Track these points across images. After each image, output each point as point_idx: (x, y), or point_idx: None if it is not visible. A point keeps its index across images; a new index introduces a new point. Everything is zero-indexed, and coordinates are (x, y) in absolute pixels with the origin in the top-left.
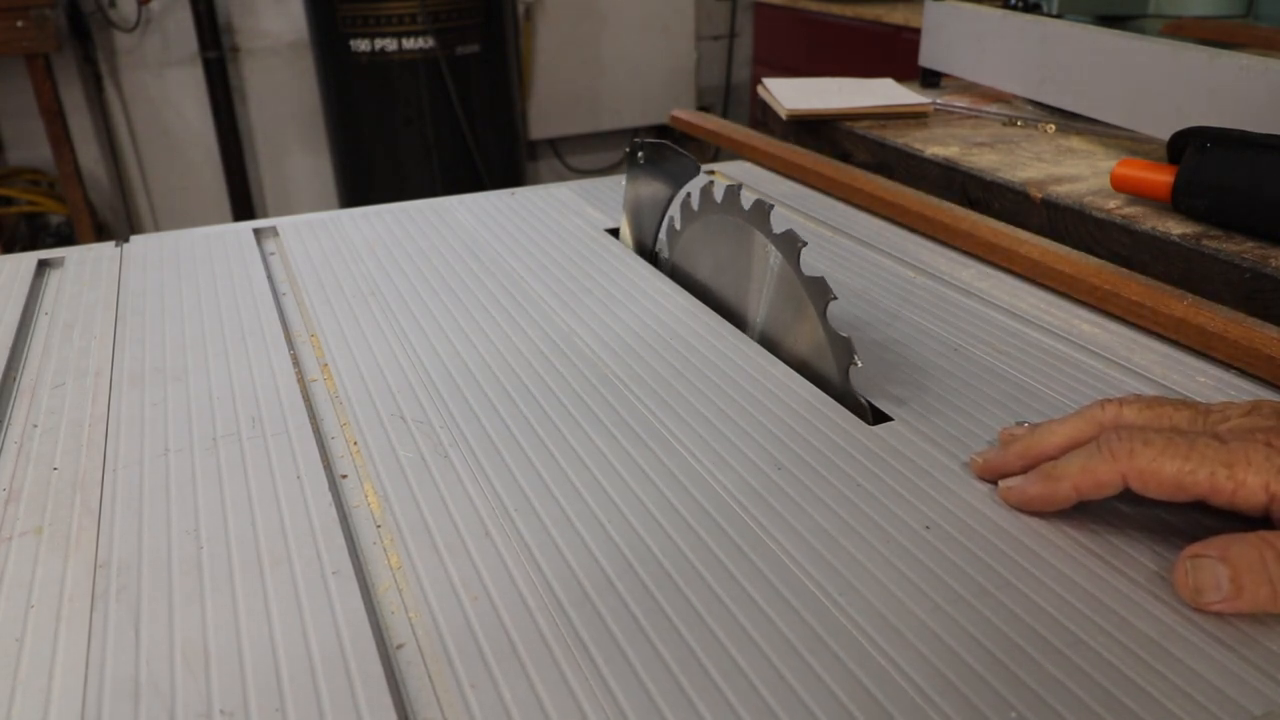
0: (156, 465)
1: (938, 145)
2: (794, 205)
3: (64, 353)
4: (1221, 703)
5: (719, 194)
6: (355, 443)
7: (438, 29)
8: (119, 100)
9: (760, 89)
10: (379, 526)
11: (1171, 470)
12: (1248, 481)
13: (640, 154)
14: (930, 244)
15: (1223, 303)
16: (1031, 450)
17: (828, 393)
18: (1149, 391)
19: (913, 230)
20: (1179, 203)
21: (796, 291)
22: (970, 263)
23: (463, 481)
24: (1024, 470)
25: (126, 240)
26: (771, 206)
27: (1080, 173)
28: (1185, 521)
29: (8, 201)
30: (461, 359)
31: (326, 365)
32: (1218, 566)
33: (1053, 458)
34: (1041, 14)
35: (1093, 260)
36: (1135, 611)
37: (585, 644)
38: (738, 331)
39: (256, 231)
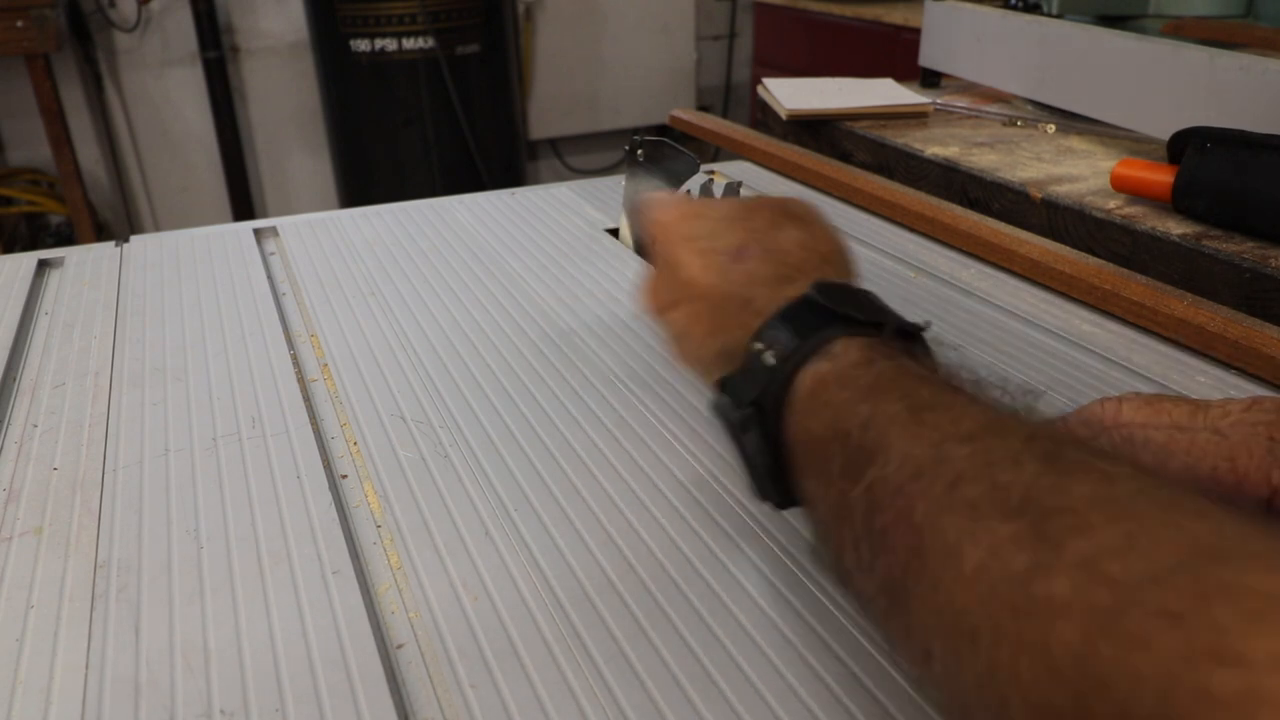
0: (156, 465)
1: (938, 145)
2: None
3: (64, 353)
4: None
5: (718, 192)
6: (355, 443)
7: (438, 29)
8: (119, 100)
9: (760, 89)
10: (379, 526)
11: (1173, 467)
12: (1250, 475)
13: (640, 151)
14: (930, 244)
15: (1223, 303)
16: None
17: None
18: (1149, 391)
19: (913, 230)
20: (1179, 203)
21: None
22: (970, 263)
23: (463, 481)
24: None
25: (126, 240)
26: None
27: (1080, 173)
28: None
29: (8, 201)
30: (461, 359)
31: (326, 365)
32: None
33: None
34: (1041, 14)
35: (1093, 260)
36: None
37: (585, 644)
38: None
39: (256, 231)
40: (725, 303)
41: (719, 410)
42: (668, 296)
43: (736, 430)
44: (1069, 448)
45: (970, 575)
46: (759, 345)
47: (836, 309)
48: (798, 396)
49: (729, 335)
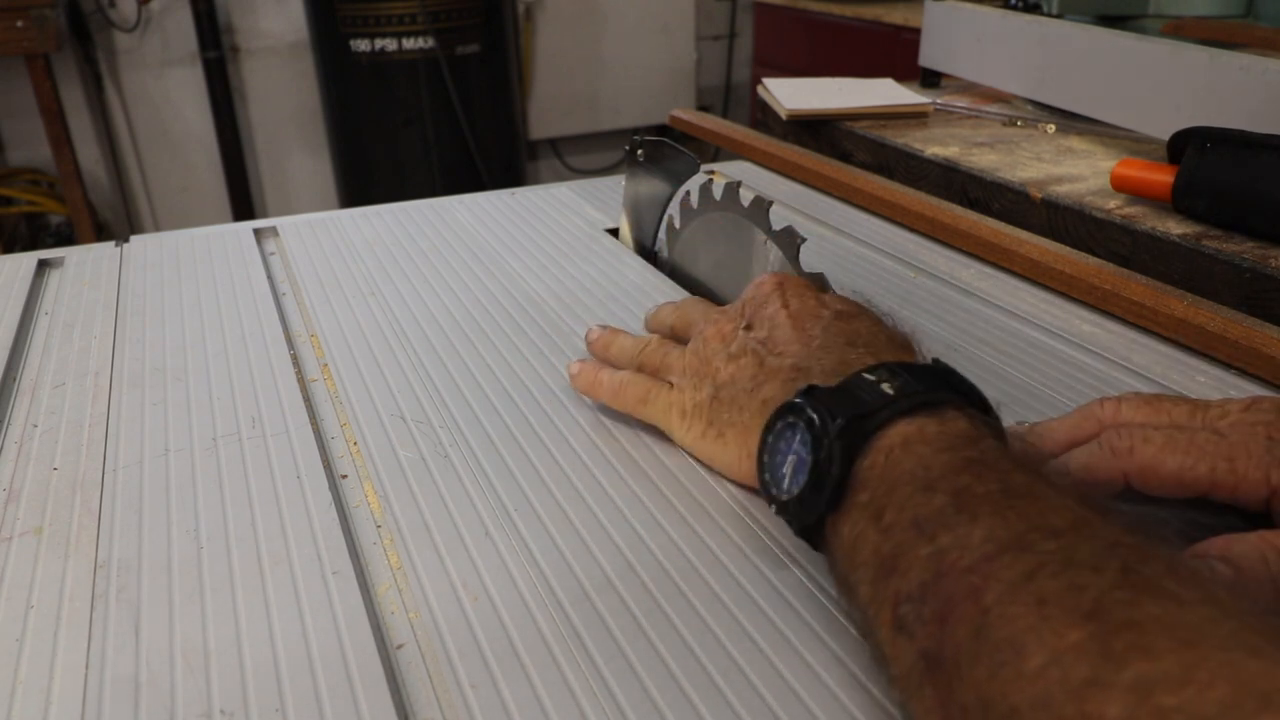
0: (156, 465)
1: (938, 145)
2: (794, 205)
3: (64, 353)
4: None
5: (718, 191)
6: (355, 443)
7: (438, 29)
8: (119, 100)
9: (760, 89)
10: (379, 526)
11: (1173, 466)
12: (1249, 474)
13: (640, 151)
14: (930, 244)
15: (1223, 303)
16: (1032, 449)
17: None
18: (1149, 391)
19: (913, 230)
20: (1179, 203)
21: None
22: (970, 263)
23: (463, 481)
24: None
25: (126, 240)
26: (770, 203)
27: (1080, 173)
28: (1184, 521)
29: (8, 201)
30: (462, 359)
31: (326, 365)
32: (1220, 567)
33: (1054, 456)
34: (1041, 14)
35: (1093, 260)
36: None
37: (585, 644)
38: None
39: (256, 231)
40: (828, 348)
41: (795, 411)
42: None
43: (821, 431)
44: (1149, 563)
45: (1030, 674)
46: (874, 376)
47: (950, 381)
48: (897, 434)
49: (836, 359)
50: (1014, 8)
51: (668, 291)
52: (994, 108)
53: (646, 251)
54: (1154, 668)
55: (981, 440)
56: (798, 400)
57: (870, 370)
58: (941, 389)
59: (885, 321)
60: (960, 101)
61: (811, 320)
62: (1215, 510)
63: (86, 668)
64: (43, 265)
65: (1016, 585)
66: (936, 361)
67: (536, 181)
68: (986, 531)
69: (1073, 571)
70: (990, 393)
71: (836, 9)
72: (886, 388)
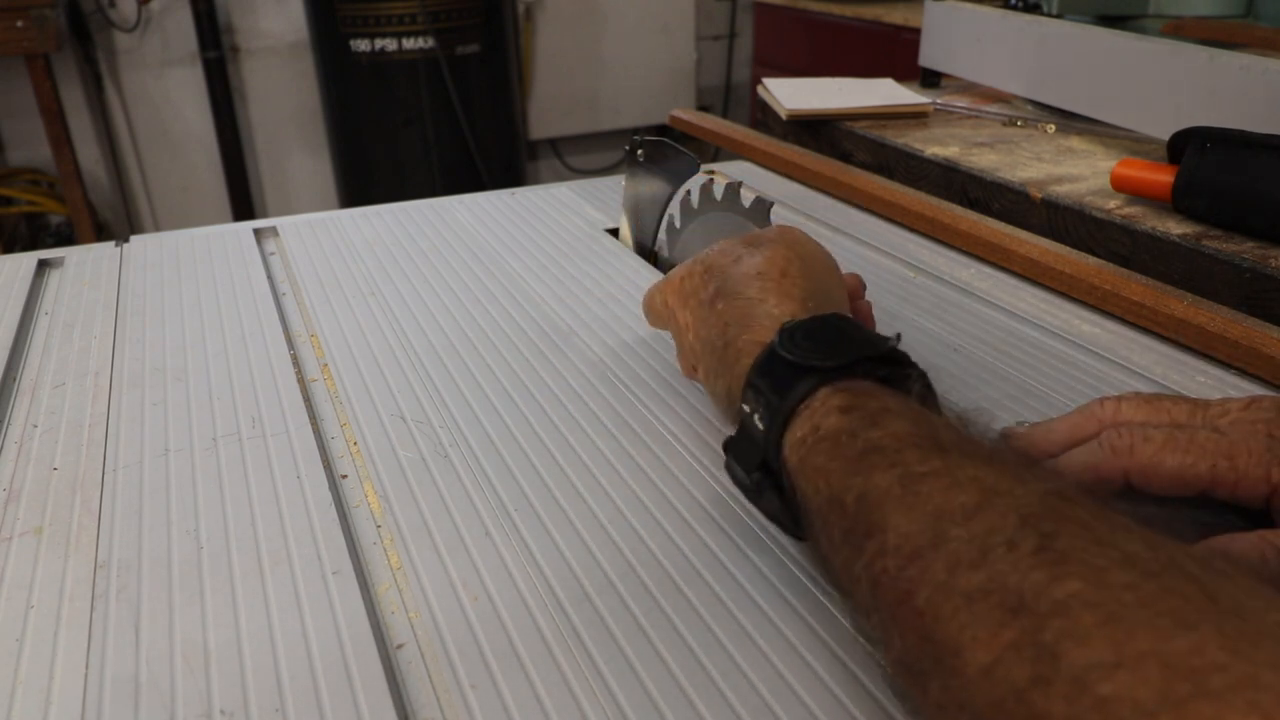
0: (156, 465)
1: (938, 145)
2: (794, 205)
3: (64, 353)
4: None
5: (718, 191)
6: (355, 443)
7: (438, 29)
8: (119, 100)
9: (760, 89)
10: (379, 526)
11: (1173, 464)
12: (1250, 471)
13: (640, 151)
14: (930, 244)
15: (1223, 303)
16: (1032, 449)
17: None
18: (1149, 391)
19: (913, 230)
20: (1179, 203)
21: None
22: (970, 263)
23: (463, 481)
24: None
25: (126, 240)
26: (771, 203)
27: (1080, 173)
28: (1184, 520)
29: (8, 201)
30: (462, 359)
31: (326, 365)
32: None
33: (1054, 456)
34: (1041, 14)
35: (1093, 260)
36: None
37: (585, 644)
38: None
39: (256, 231)
40: (711, 349)
41: (732, 475)
42: (689, 360)
43: (753, 495)
44: (1063, 528)
45: (975, 678)
46: (745, 407)
47: (802, 362)
48: (789, 464)
49: (726, 380)
50: (1014, 8)
51: None
52: (994, 108)
53: (646, 251)
54: (1086, 655)
55: (856, 434)
56: (730, 462)
57: (742, 397)
58: (798, 378)
59: (737, 247)
60: (960, 101)
61: (701, 323)
62: (1215, 509)
63: (86, 668)
64: (43, 265)
65: (943, 584)
66: (787, 329)
67: (536, 181)
68: (899, 533)
69: (991, 558)
70: (990, 393)
71: (836, 9)
72: (758, 421)
